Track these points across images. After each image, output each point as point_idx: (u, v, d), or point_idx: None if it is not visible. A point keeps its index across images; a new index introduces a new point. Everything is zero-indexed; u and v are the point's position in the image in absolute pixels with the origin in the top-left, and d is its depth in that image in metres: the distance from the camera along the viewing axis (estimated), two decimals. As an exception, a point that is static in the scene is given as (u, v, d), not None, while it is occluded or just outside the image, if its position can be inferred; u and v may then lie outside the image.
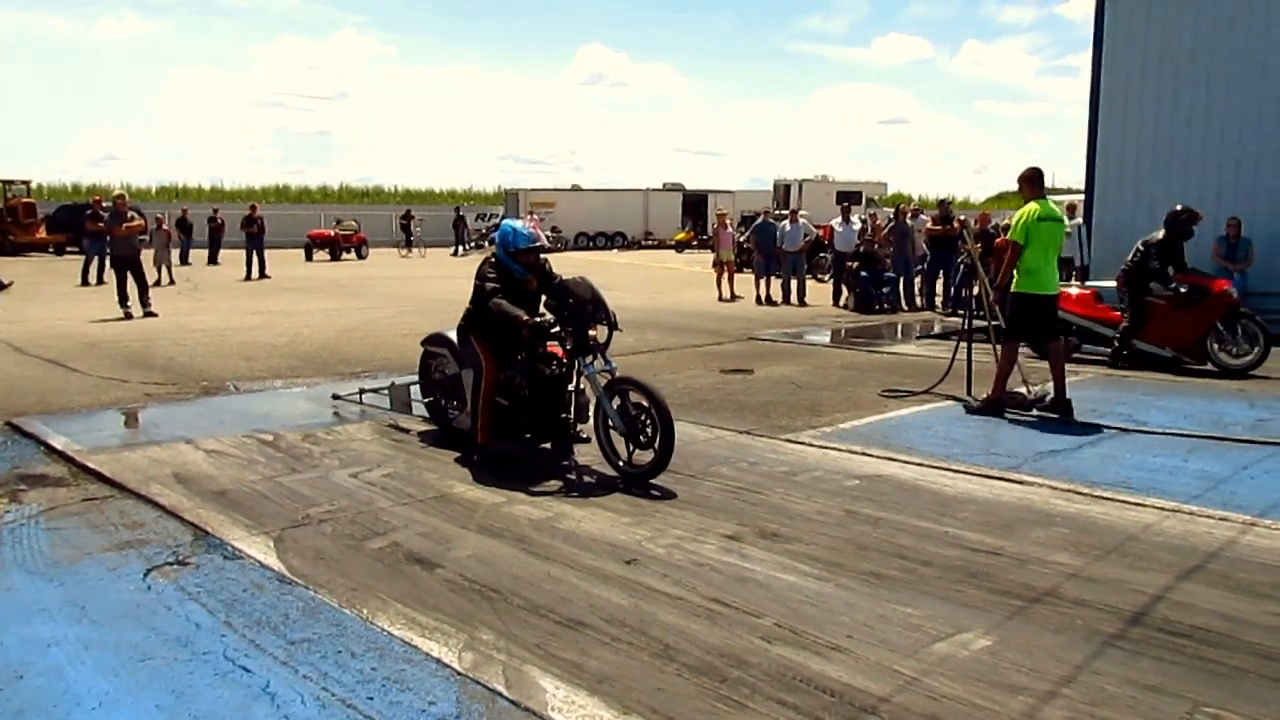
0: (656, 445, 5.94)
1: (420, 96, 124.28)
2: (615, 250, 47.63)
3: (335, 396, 8.71)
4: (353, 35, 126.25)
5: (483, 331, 6.55)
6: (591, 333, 6.26)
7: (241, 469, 6.35)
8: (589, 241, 48.88)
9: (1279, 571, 4.54)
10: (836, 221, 20.22)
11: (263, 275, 24.48)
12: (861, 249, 18.63)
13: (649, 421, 6.00)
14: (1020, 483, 6.10)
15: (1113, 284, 11.39)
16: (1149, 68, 14.79)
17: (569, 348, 6.32)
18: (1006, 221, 23.99)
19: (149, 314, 15.27)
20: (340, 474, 6.27)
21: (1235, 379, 10.03)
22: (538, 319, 6.28)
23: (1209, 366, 10.48)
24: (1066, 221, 17.13)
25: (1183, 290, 10.58)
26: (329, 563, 4.64)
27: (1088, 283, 13.69)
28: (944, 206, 19.17)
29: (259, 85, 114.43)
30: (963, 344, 8.98)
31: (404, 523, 5.26)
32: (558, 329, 6.28)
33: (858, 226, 19.78)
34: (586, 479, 6.23)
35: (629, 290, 20.59)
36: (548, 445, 6.71)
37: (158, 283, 20.40)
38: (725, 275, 20.43)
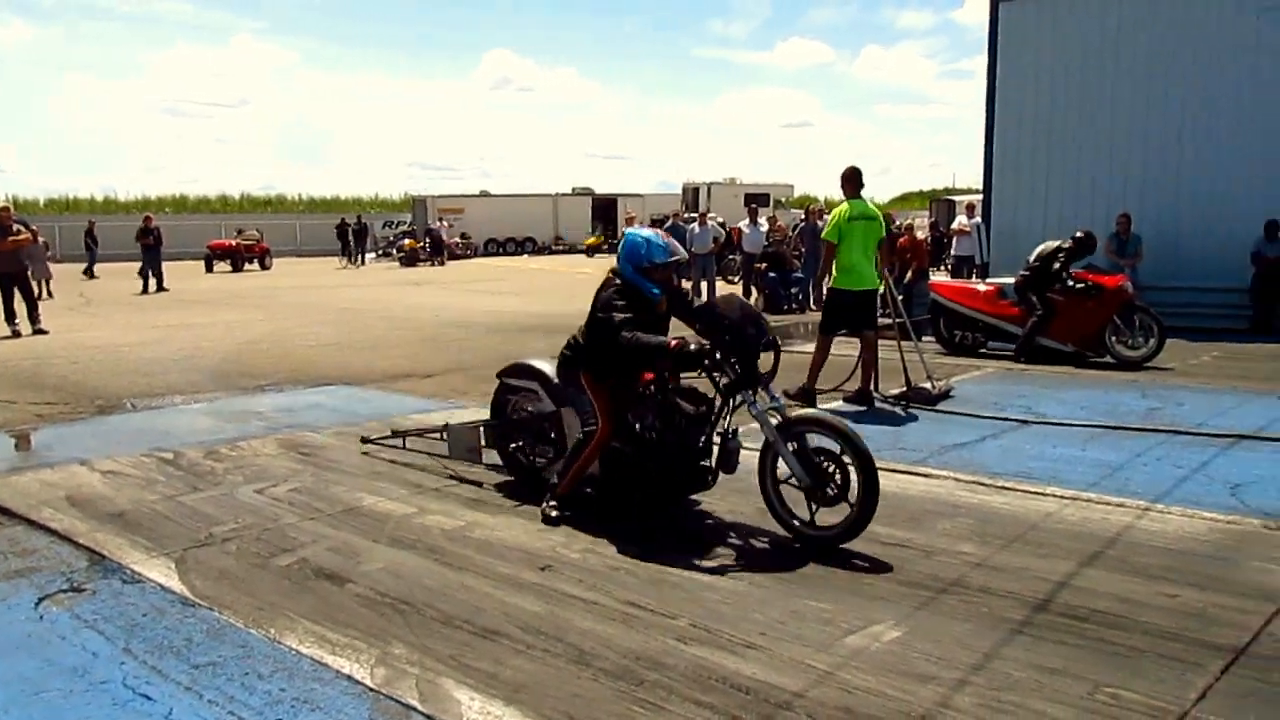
0: (854, 499, 4.75)
1: (324, 103, 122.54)
2: (526, 255, 47.46)
3: (365, 440, 7.25)
4: (252, 41, 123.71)
5: (600, 372, 5.38)
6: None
7: (140, 489, 6.13)
8: (499, 247, 48.68)
9: (1172, 554, 4.72)
10: (745, 223, 20.45)
11: (160, 288, 23.75)
12: (771, 249, 18.85)
13: (837, 470, 4.84)
14: (926, 476, 6.24)
15: (1013, 280, 11.79)
16: (1041, 71, 15.31)
17: (727, 381, 5.06)
18: (909, 221, 24.45)
19: (39, 331, 14.68)
20: (245, 490, 6.09)
21: (1132, 371, 10.41)
22: (690, 345, 4.97)
23: (1108, 359, 10.87)
24: (959, 221, 17.69)
25: (1080, 286, 10.99)
26: (234, 582, 4.51)
27: (989, 279, 14.08)
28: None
29: (154, 93, 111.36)
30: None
31: (312, 538, 5.14)
32: (713, 356, 5.02)
33: (765, 228, 20.03)
34: (501, 487, 6.16)
35: (543, 296, 20.48)
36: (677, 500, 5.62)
37: (39, 296, 19.59)
38: (636, 279, 20.40)
